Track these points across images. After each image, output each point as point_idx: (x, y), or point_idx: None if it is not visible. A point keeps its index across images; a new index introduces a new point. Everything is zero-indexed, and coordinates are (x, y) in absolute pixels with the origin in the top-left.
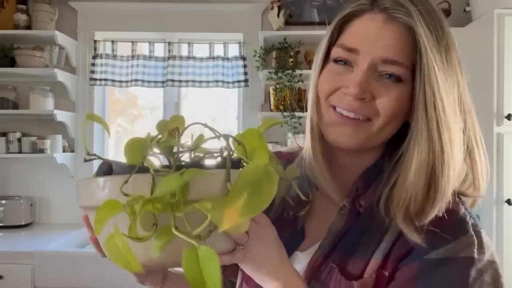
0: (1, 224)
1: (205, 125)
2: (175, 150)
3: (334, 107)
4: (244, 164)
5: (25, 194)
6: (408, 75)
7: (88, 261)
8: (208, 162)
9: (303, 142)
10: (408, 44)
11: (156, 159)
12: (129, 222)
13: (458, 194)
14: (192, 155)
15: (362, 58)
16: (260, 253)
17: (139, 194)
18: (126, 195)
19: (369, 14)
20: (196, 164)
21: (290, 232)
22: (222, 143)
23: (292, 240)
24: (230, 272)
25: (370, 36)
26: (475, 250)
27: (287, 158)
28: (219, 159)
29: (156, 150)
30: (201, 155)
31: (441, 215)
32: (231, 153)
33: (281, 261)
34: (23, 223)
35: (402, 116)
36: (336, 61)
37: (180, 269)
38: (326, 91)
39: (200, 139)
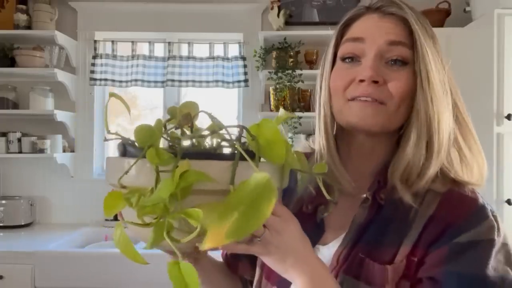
0: (1, 224)
1: (210, 115)
2: (183, 139)
3: (352, 99)
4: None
5: (25, 194)
6: (411, 56)
7: (88, 261)
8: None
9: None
10: (404, 31)
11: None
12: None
13: (464, 183)
14: (208, 142)
15: (368, 47)
16: (282, 246)
17: (142, 183)
18: (123, 187)
19: (366, 15)
20: (208, 152)
21: (310, 226)
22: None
23: (313, 234)
24: (243, 269)
25: (372, 27)
26: (495, 233)
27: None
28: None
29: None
30: (218, 140)
31: (449, 200)
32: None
33: (306, 255)
34: (23, 223)
35: (411, 96)
36: (343, 59)
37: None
38: (341, 85)
39: (213, 127)
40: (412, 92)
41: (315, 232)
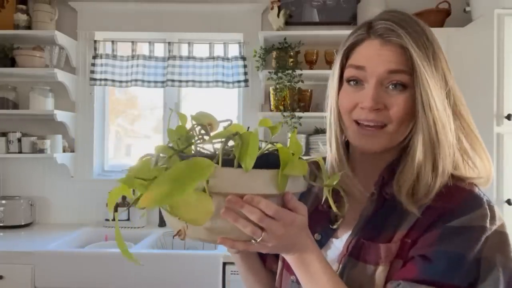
0: (1, 224)
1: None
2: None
3: (356, 121)
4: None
5: (25, 194)
6: (410, 80)
7: (88, 261)
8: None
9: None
10: (403, 57)
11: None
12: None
13: (463, 178)
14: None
15: (369, 75)
16: (277, 246)
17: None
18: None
19: (368, 41)
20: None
21: (326, 222)
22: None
23: (328, 229)
24: (270, 262)
25: (372, 56)
26: (488, 221)
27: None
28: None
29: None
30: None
31: (446, 191)
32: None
33: (302, 249)
34: (23, 223)
35: (410, 117)
36: (348, 81)
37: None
38: (346, 108)
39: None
40: (411, 113)
41: (330, 228)
